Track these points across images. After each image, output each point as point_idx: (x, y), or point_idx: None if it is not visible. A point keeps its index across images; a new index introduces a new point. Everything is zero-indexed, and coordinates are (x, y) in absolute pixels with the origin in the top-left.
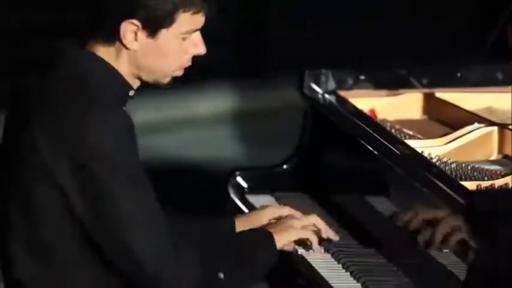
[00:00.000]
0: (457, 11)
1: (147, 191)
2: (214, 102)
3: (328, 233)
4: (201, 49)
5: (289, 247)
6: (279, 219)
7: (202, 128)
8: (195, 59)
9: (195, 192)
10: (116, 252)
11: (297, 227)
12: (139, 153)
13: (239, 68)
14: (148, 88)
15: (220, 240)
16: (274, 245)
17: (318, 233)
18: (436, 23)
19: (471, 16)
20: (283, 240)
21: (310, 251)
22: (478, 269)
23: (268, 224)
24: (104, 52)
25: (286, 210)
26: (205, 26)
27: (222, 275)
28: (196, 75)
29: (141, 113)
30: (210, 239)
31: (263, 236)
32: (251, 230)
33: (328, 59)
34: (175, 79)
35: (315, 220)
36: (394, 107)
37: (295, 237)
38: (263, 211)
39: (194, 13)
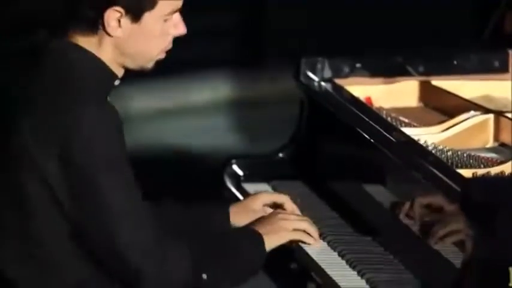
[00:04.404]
0: None
1: (131, 185)
2: (211, 91)
3: (316, 242)
4: (181, 29)
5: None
6: (273, 206)
7: (200, 116)
8: (193, 48)
9: (191, 181)
10: (99, 244)
11: (288, 229)
12: (137, 141)
13: (236, 57)
14: (145, 76)
15: (210, 238)
16: (263, 248)
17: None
18: (435, 11)
19: (470, 2)
20: (273, 243)
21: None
22: (474, 257)
23: (259, 220)
24: (87, 42)
25: (281, 198)
26: (204, 16)
27: (205, 276)
28: (194, 64)
29: (139, 101)
30: (200, 234)
31: (253, 238)
32: (241, 229)
33: (327, 49)
34: (157, 63)
35: (307, 226)
36: (390, 94)
37: (286, 240)
38: (257, 197)
39: None
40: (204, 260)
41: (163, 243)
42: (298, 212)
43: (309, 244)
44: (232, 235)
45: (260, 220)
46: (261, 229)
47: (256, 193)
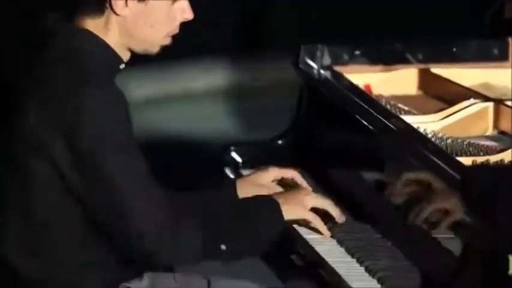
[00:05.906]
0: None
1: (140, 165)
2: (211, 77)
3: (341, 218)
4: (188, 15)
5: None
6: (281, 181)
7: (198, 104)
8: (193, 34)
9: (190, 168)
10: (113, 225)
11: (307, 207)
12: (136, 127)
13: (236, 45)
14: (145, 63)
15: (224, 207)
16: (281, 214)
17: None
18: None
19: None
20: (290, 215)
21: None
22: (474, 245)
23: (280, 192)
24: (94, 24)
25: (290, 173)
26: (205, 3)
27: (223, 246)
28: (194, 51)
29: (138, 88)
30: (212, 207)
31: (270, 204)
32: (257, 196)
33: (327, 35)
34: (162, 48)
35: (329, 205)
36: (390, 82)
37: (302, 217)
38: (265, 172)
39: None
40: (220, 229)
41: (175, 218)
42: (307, 186)
43: (320, 234)
44: (248, 202)
45: (282, 192)
46: (280, 198)
47: (264, 168)
